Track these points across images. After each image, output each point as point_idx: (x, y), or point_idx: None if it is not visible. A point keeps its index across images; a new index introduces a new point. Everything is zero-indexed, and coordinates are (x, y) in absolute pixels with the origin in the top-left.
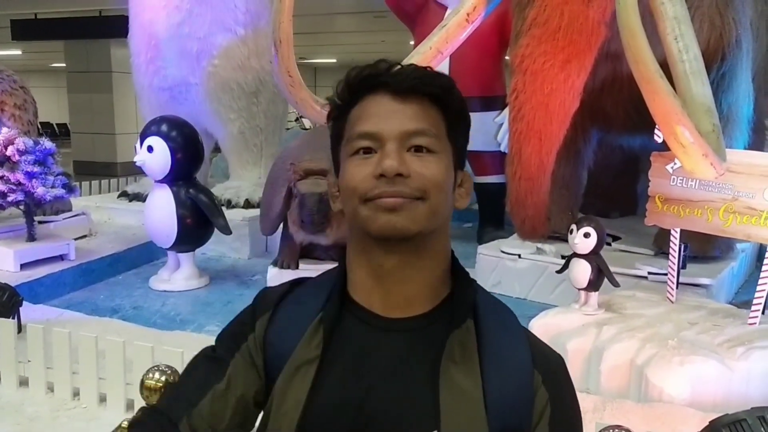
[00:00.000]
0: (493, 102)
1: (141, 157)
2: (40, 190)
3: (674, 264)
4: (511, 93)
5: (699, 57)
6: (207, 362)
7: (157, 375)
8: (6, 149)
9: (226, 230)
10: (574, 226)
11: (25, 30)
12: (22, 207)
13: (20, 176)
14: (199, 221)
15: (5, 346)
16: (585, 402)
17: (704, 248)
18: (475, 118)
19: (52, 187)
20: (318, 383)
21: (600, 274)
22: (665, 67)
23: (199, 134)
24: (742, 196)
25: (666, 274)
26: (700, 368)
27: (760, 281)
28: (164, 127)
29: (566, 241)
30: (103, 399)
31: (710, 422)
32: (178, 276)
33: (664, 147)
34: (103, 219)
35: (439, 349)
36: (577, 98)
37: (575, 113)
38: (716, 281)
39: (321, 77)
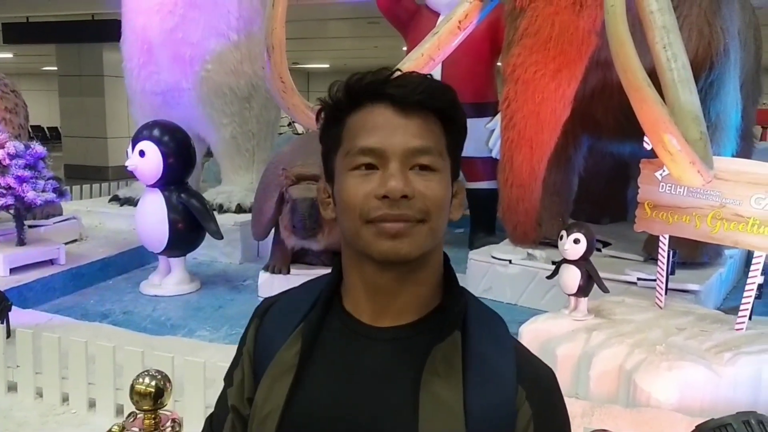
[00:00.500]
0: (485, 108)
1: (133, 161)
2: (30, 194)
3: (663, 270)
4: (502, 101)
5: (687, 66)
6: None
7: (147, 380)
8: None
9: (218, 235)
10: (564, 232)
11: (16, 33)
12: (12, 211)
13: (11, 180)
14: (190, 226)
15: None
16: (574, 407)
17: (693, 254)
18: (468, 124)
19: (43, 191)
20: (297, 391)
21: (590, 280)
22: (654, 75)
23: (191, 139)
24: (730, 203)
25: (655, 280)
26: (688, 373)
27: (747, 287)
28: (156, 132)
29: (557, 247)
30: (92, 404)
31: (696, 427)
32: (168, 281)
33: (653, 154)
34: (94, 223)
35: (423, 360)
36: (568, 107)
37: (566, 120)
38: (704, 287)
39: (314, 82)
